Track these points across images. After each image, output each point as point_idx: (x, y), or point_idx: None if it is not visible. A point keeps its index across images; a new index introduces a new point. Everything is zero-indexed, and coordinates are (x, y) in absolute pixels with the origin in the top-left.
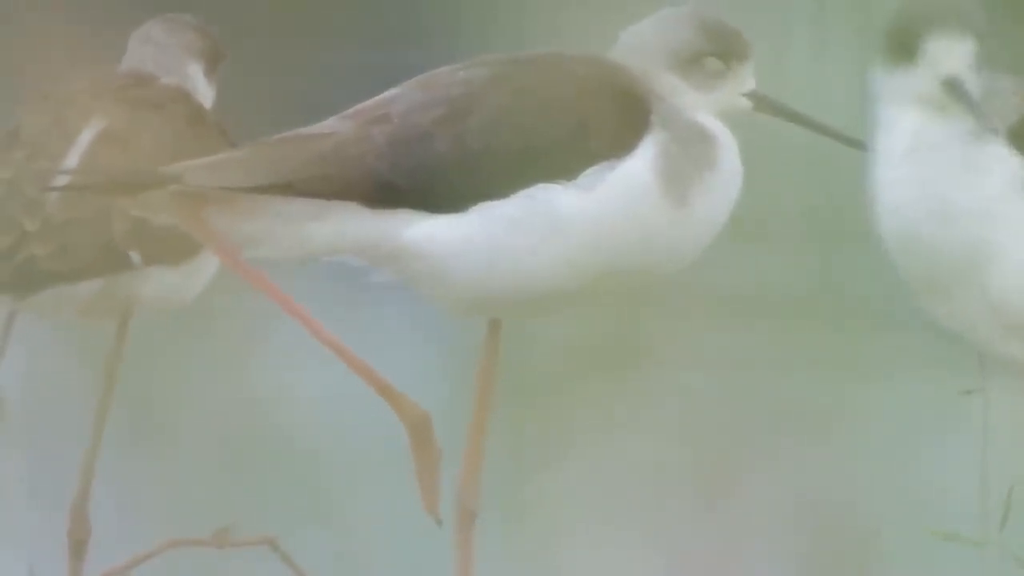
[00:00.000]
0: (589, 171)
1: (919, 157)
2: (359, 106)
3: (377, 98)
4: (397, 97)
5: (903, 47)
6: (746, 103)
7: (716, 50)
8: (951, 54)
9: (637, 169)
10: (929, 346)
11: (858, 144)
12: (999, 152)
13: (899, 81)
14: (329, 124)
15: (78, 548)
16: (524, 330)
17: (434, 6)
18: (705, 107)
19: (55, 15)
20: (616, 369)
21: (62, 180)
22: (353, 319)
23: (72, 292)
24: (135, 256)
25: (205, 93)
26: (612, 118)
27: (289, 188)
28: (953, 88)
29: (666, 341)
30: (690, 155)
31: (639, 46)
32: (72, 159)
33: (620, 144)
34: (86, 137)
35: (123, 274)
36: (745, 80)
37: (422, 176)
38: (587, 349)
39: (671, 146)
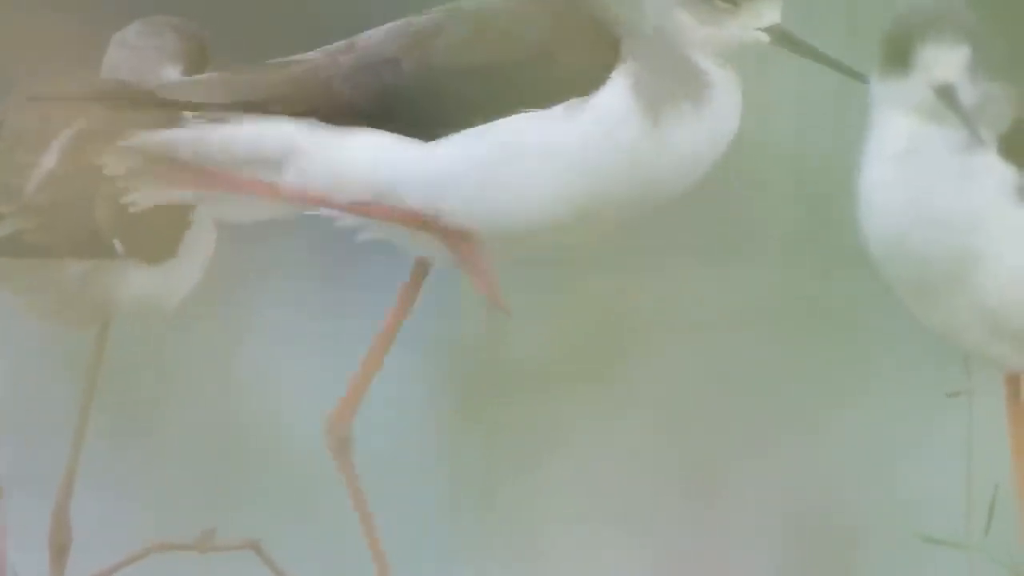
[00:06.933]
0: (563, 104)
1: (910, 163)
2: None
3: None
4: (366, 34)
5: (897, 54)
6: (763, 37)
7: None
8: (944, 62)
9: (612, 98)
10: (914, 348)
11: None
12: (989, 160)
13: (893, 88)
14: (304, 55)
15: (59, 553)
16: (507, 329)
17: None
18: (716, 42)
19: (45, 15)
20: (601, 372)
21: (35, 96)
22: (340, 311)
23: (57, 274)
24: (118, 245)
25: None
26: (580, 48)
27: (260, 107)
28: (945, 95)
29: (650, 345)
30: (666, 83)
31: None
32: (52, 153)
33: (589, 75)
34: (68, 134)
35: (106, 262)
36: (761, 15)
37: (389, 98)
38: (570, 351)
39: (643, 75)
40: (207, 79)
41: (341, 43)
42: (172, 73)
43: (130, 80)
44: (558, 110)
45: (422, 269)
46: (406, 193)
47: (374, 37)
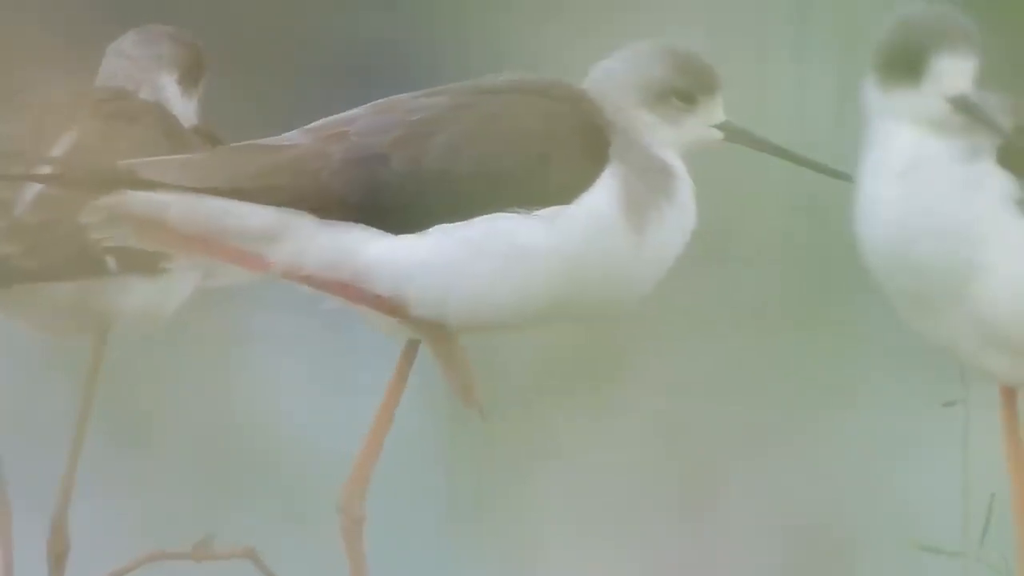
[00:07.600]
0: (547, 209)
1: (914, 176)
2: (319, 122)
3: (337, 116)
4: (357, 117)
5: (906, 66)
6: (717, 134)
7: (684, 84)
8: (957, 72)
9: (599, 203)
10: (911, 358)
11: (835, 173)
12: (989, 169)
13: (898, 99)
14: (288, 137)
15: (58, 561)
16: (497, 343)
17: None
18: (675, 140)
19: (38, 24)
20: (592, 383)
21: (17, 172)
22: (337, 316)
23: (48, 294)
24: (111, 262)
25: (179, 103)
26: (574, 152)
27: (242, 193)
28: (964, 105)
29: (642, 354)
30: (648, 185)
31: (611, 83)
32: (44, 167)
33: (578, 183)
34: (61, 147)
35: (99, 280)
36: (715, 112)
37: (377, 195)
38: (562, 363)
39: (630, 177)
40: (192, 161)
41: (332, 123)
42: (168, 81)
43: (128, 88)
44: (539, 214)
45: (413, 350)
46: (375, 279)
47: (366, 122)
